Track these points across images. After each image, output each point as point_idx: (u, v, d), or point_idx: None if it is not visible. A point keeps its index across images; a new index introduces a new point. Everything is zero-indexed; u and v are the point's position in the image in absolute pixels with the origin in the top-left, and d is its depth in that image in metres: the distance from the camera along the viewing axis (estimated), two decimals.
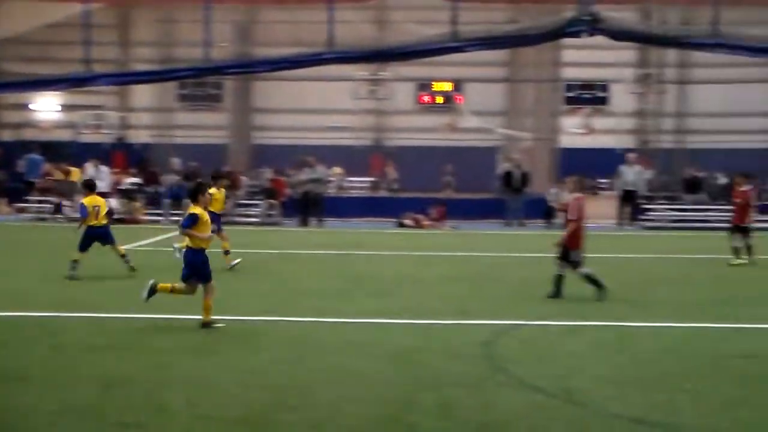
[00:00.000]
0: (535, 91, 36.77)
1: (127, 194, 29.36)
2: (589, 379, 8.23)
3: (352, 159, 38.16)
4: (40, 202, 29.50)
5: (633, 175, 28.23)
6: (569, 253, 12.86)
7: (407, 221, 27.33)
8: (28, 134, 38.25)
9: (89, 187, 15.27)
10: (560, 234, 13.23)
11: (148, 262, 16.18)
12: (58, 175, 29.76)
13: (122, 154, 36.81)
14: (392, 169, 37.40)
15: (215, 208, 15.22)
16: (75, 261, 14.36)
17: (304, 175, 28.27)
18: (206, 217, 10.65)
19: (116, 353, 9.19)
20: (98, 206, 14.70)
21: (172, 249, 16.33)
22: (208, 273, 10.50)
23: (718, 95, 41.30)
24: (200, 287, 10.53)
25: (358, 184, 37.42)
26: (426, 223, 27.26)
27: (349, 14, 22.07)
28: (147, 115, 39.52)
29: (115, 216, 24.81)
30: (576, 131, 38.10)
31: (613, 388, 7.94)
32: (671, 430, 6.74)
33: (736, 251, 17.53)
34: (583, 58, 39.32)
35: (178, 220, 27.70)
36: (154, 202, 30.07)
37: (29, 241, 22.20)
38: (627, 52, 37.98)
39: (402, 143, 40.43)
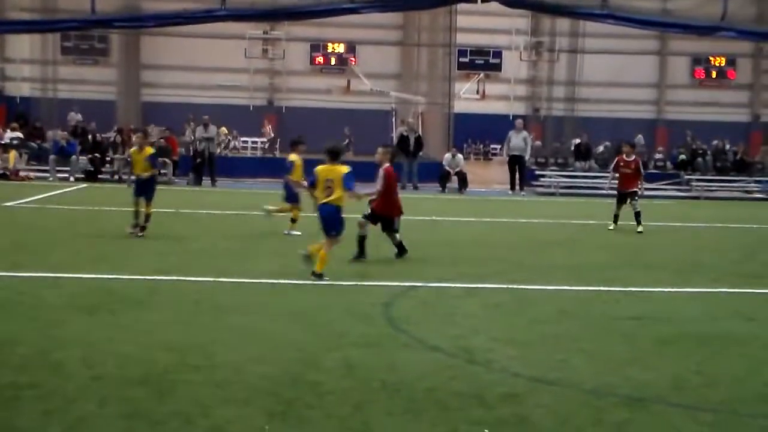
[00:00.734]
0: (428, 56, 36.97)
1: (7, 149, 28.20)
2: (488, 340, 8.37)
3: (245, 119, 37.68)
4: None
5: (520, 141, 28.72)
6: (392, 220, 13.29)
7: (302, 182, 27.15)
8: None
9: None
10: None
11: (31, 220, 15.63)
12: None
13: (1, 107, 35.37)
14: (269, 129, 36.87)
15: (297, 176, 15.20)
16: None
17: (198, 133, 27.75)
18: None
19: (3, 311, 8.85)
20: None
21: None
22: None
23: (607, 66, 42.39)
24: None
25: (252, 145, 37.01)
26: None
27: None
28: (28, 67, 37.97)
29: None
30: (469, 97, 38.52)
31: (512, 348, 8.10)
32: (568, 387, 6.91)
33: (615, 218, 17.98)
34: (477, 24, 39.74)
35: (66, 177, 26.95)
36: (38, 158, 29.03)
37: None
38: (520, 20, 38.64)
39: (295, 104, 40.16)
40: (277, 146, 36.82)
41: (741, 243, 16.09)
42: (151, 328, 8.38)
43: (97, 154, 28.33)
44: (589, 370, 7.45)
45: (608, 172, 20.06)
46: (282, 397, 6.37)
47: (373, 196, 13.15)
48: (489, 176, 33.60)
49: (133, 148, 15.49)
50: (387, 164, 13.20)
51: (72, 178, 27.44)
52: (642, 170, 18.38)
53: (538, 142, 33.68)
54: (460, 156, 28.87)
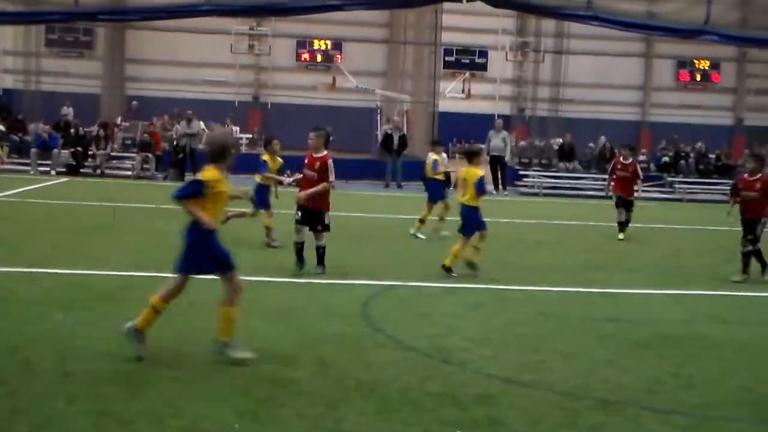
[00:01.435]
0: (414, 54, 36.93)
1: None
2: (464, 340, 8.35)
3: (230, 114, 37.51)
4: None
5: (499, 141, 28.73)
6: (323, 215, 11.58)
7: (285, 180, 27.08)
8: None
9: None
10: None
11: (10, 213, 15.51)
12: None
13: None
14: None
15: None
16: None
17: (181, 128, 27.64)
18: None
19: None
20: None
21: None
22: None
23: (592, 67, 42.47)
24: None
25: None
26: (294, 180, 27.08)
27: None
28: (11, 58, 37.71)
29: None
30: (455, 96, 38.51)
31: (488, 348, 8.09)
32: (543, 389, 6.89)
33: (621, 225, 17.00)
34: (464, 23, 39.73)
35: (47, 171, 26.75)
36: (19, 151, 28.84)
37: None
38: (506, 20, 38.61)
39: (281, 100, 40.04)
40: (262, 143, 36.70)
41: (720, 246, 16.12)
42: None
43: (79, 148, 28.17)
44: (564, 371, 7.44)
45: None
46: (254, 395, 6.32)
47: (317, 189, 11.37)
48: None
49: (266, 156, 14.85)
50: (325, 151, 11.50)
51: (53, 172, 27.28)
52: (640, 174, 17.60)
53: (523, 142, 33.71)
54: (444, 155, 28.77)
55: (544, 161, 31.78)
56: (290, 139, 35.50)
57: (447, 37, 39.15)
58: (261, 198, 14.53)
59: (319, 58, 41.84)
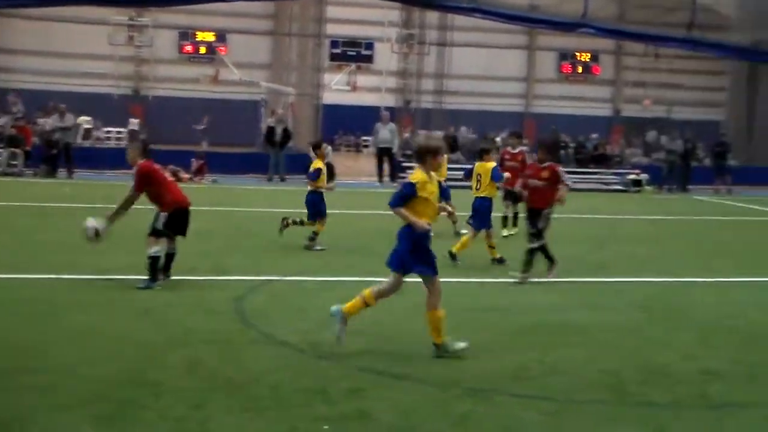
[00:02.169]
0: (299, 46, 36.75)
1: None
2: None
3: (108, 108, 36.51)
4: None
5: (387, 133, 28.83)
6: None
7: (166, 174, 26.53)
8: None
9: None
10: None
11: None
12: None
13: None
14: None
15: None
16: None
17: (53, 122, 26.68)
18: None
19: None
20: None
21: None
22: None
23: (477, 59, 43.09)
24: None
25: (116, 135, 35.88)
26: (185, 176, 26.58)
27: None
28: None
29: None
30: (340, 88, 38.48)
31: (362, 341, 8.05)
32: (414, 381, 6.91)
33: (505, 221, 16.51)
34: (350, 15, 39.74)
35: None
36: None
37: None
38: (392, 12, 38.76)
39: (163, 93, 39.21)
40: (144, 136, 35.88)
41: (592, 234, 16.57)
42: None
43: None
44: (436, 362, 7.48)
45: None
46: (115, 399, 6.12)
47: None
48: (359, 168, 33.63)
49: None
50: (140, 161, 10.68)
51: None
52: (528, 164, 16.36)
53: (407, 135, 33.89)
54: (328, 147, 28.72)
55: None
56: (173, 133, 35.01)
57: (333, 29, 39.13)
58: (317, 207, 14.22)
59: (202, 50, 41.17)
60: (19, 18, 35.56)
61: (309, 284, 10.87)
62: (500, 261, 12.88)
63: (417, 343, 8.06)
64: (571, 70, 49.59)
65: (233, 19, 39.44)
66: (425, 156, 7.68)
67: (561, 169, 11.96)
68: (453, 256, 12.50)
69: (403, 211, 7.57)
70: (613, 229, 18.46)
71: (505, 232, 16.09)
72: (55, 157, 26.32)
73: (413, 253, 7.63)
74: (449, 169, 14.89)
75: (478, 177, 12.98)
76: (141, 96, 40.32)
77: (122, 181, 25.04)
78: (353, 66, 41.10)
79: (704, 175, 33.12)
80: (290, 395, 6.41)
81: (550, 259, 11.78)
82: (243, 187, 25.65)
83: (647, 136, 40.28)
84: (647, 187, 30.68)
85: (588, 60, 49.45)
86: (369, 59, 44.82)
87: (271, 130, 28.66)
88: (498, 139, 26.79)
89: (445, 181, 14.26)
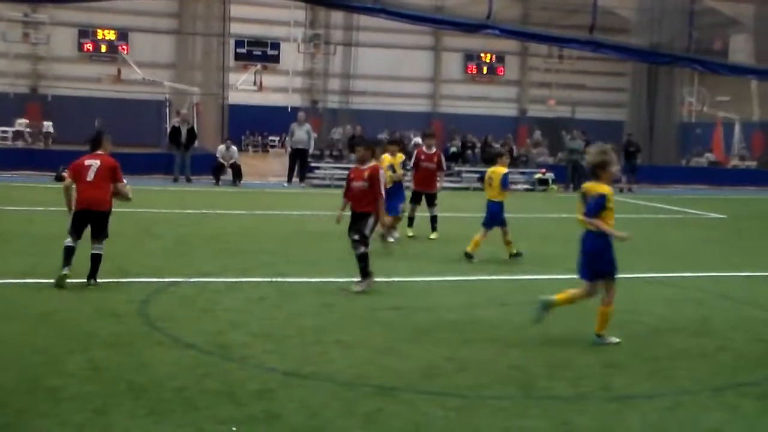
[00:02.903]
0: (203, 46, 36.25)
1: None
2: (246, 335, 8.20)
3: (4, 107, 35.34)
4: None
5: (303, 133, 28.70)
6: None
7: (66, 175, 25.82)
8: None
9: None
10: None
11: None
12: None
13: None
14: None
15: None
16: None
17: None
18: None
19: None
20: None
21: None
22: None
23: (383, 59, 43.25)
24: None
25: (13, 135, 34.73)
26: None
27: None
28: None
29: None
30: (246, 88, 38.11)
31: (270, 342, 7.97)
32: (322, 380, 6.86)
33: (412, 222, 16.07)
34: (255, 14, 39.40)
35: None
36: None
37: None
38: (298, 12, 38.61)
39: (63, 92, 38.13)
40: (41, 137, 34.80)
41: (499, 232, 16.66)
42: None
43: None
44: (344, 361, 7.44)
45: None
46: (11, 407, 5.90)
47: None
48: (266, 168, 33.38)
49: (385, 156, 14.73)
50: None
51: None
52: (444, 164, 16.42)
53: (314, 134, 33.79)
54: (234, 148, 28.44)
55: (335, 153, 32.00)
56: (74, 133, 34.04)
57: (238, 29, 38.71)
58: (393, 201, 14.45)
59: (103, 48, 40.24)
60: None
61: (214, 286, 10.68)
62: (517, 255, 13.57)
63: (324, 343, 8.02)
64: (476, 71, 50.21)
65: (135, 17, 38.68)
66: (600, 170, 8.41)
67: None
68: (469, 256, 13.21)
69: (598, 222, 8.28)
70: (521, 227, 18.66)
71: (410, 233, 15.95)
72: None
73: (605, 260, 8.46)
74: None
75: (490, 181, 13.59)
76: (39, 95, 39.12)
77: (17, 182, 24.42)
78: (259, 66, 40.75)
79: None
80: (196, 398, 6.29)
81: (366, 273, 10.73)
82: (148, 188, 25.10)
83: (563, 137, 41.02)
84: (553, 186, 31.24)
85: (493, 61, 50.16)
86: (275, 59, 44.53)
87: (175, 131, 28.16)
88: (418, 139, 26.94)
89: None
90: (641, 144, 36.04)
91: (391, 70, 44.80)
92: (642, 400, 6.68)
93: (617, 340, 8.43)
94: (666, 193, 31.67)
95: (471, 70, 50.14)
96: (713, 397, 6.84)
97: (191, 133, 28.30)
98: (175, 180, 27.38)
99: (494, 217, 13.53)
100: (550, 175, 31.78)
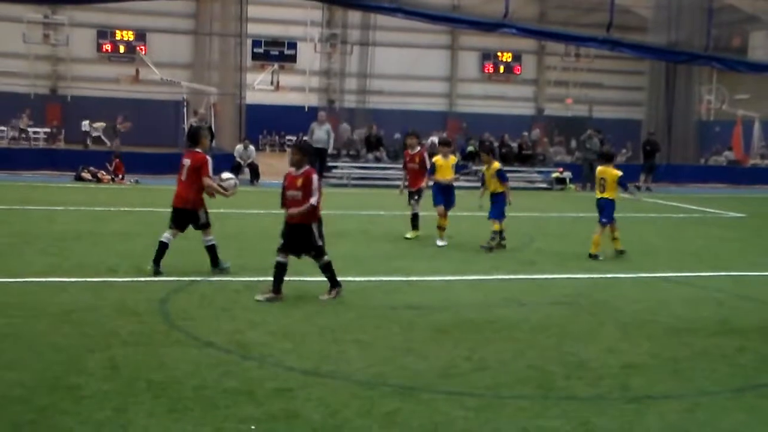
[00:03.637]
0: (221, 46, 36.34)
1: None
2: (265, 334, 8.23)
3: (26, 107, 35.59)
4: None
5: (323, 133, 28.77)
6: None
7: (85, 175, 25.98)
8: None
9: None
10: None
11: None
12: None
13: None
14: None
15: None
16: None
17: None
18: None
19: None
20: None
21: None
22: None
23: (400, 59, 43.24)
24: None
25: (33, 135, 35.00)
26: (106, 177, 26.08)
27: None
28: None
29: None
30: (263, 88, 38.20)
31: (288, 341, 7.99)
32: (341, 379, 6.87)
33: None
34: (272, 14, 39.46)
35: None
36: None
37: None
38: (314, 12, 38.65)
39: (82, 93, 38.36)
40: (62, 137, 35.08)
41: (520, 231, 16.68)
42: None
43: None
44: (363, 361, 7.45)
45: (399, 163, 19.32)
46: (34, 404, 5.95)
47: None
48: (284, 168, 33.21)
49: (485, 167, 15.18)
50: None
51: None
52: (427, 164, 15.75)
53: (333, 134, 33.89)
54: (252, 147, 28.54)
55: (352, 152, 32.03)
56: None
57: (256, 29, 38.80)
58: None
59: (121, 49, 40.42)
60: None
61: (234, 285, 10.71)
62: (622, 252, 14.19)
63: (343, 342, 8.03)
64: (493, 70, 50.10)
65: (153, 18, 38.83)
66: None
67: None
68: (594, 256, 13.80)
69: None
70: (539, 226, 18.67)
71: (409, 235, 15.57)
72: None
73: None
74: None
75: (602, 181, 14.23)
76: (59, 95, 39.36)
77: (41, 182, 24.59)
78: (276, 66, 40.83)
79: (627, 173, 33.80)
80: (216, 396, 6.31)
81: (334, 283, 10.29)
82: (166, 187, 25.20)
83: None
84: (571, 185, 31.15)
85: (510, 60, 50.04)
86: (292, 59, 44.59)
87: None
88: (434, 138, 26.94)
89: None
90: (660, 143, 35.90)
91: (408, 69, 44.77)
92: (661, 401, 6.65)
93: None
94: (685, 192, 31.51)
95: (487, 69, 50.04)
96: (733, 399, 6.81)
97: (210, 132, 28.37)
98: None
99: (607, 213, 14.09)
100: (567, 174, 31.67)
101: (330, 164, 29.68)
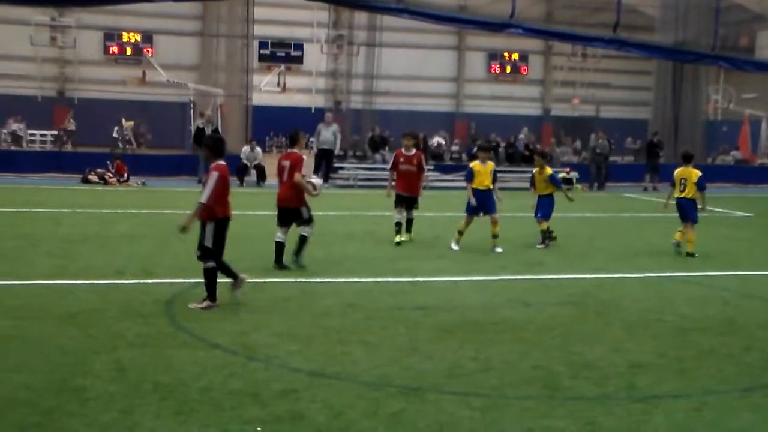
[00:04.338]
0: (227, 47, 36.35)
1: None
2: (271, 335, 8.23)
3: (33, 110, 35.66)
4: None
5: (330, 134, 28.78)
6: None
7: (92, 177, 26.04)
8: None
9: None
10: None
11: None
12: None
13: None
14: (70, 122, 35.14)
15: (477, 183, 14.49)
16: None
17: None
18: None
19: None
20: None
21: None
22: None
23: (407, 59, 43.21)
24: None
25: (41, 138, 35.08)
26: (113, 179, 26.13)
27: None
28: None
29: None
30: (270, 89, 38.21)
31: (294, 343, 7.99)
32: (346, 381, 6.88)
33: (399, 226, 15.13)
34: (278, 16, 39.48)
35: None
36: None
37: None
38: (321, 13, 38.67)
39: (89, 95, 38.45)
40: (69, 140, 35.14)
41: (527, 231, 16.65)
42: None
43: None
44: (369, 362, 7.45)
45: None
46: (40, 406, 5.96)
47: None
48: None
49: (536, 170, 15.80)
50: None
51: None
52: (425, 166, 15.58)
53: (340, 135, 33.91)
54: (258, 149, 28.58)
55: (359, 153, 32.02)
56: (101, 135, 34.35)
57: (262, 30, 38.82)
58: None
59: (128, 51, 40.51)
60: None
61: None
62: (692, 255, 14.40)
63: (349, 343, 8.04)
64: (500, 70, 50.06)
65: (160, 20, 38.90)
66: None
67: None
68: (691, 254, 14.36)
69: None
70: (511, 227, 18.58)
71: (397, 239, 14.99)
72: None
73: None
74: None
75: (683, 181, 14.69)
76: (66, 98, 39.47)
77: (49, 185, 24.67)
78: (282, 67, 40.84)
79: (633, 173, 33.77)
80: (221, 398, 6.32)
81: (212, 294, 9.53)
82: (172, 189, 25.30)
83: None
84: (578, 185, 31.09)
85: (517, 60, 49.99)
86: (298, 60, 44.63)
87: (200, 132, 28.30)
88: (440, 139, 26.80)
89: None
90: (666, 142, 35.81)
91: (415, 70, 44.75)
92: (668, 401, 6.64)
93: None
94: None
95: (494, 70, 50.01)
96: (740, 398, 6.79)
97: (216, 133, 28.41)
98: (200, 181, 27.42)
99: (689, 213, 14.62)
100: (574, 174, 31.61)
101: (336, 165, 29.67)
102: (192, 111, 33.85)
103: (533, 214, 15.61)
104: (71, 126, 35.01)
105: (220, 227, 9.56)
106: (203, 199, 9.37)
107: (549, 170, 15.67)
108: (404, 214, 15.14)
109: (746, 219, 22.34)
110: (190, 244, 14.01)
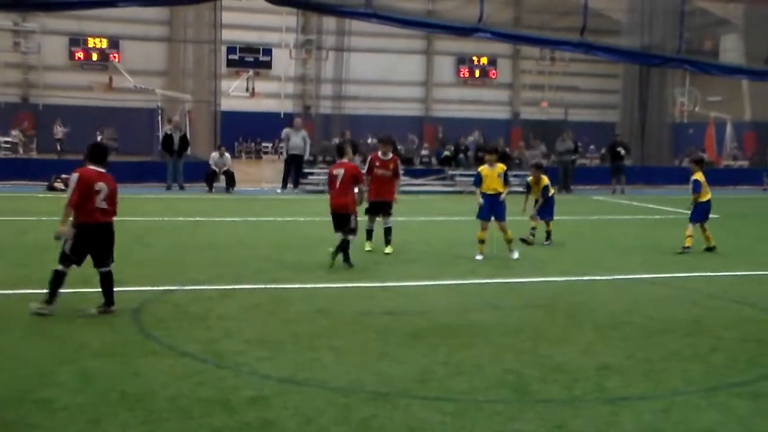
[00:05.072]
0: (195, 53, 36.17)
1: None
2: (240, 342, 8.18)
3: None
4: None
5: (299, 139, 28.67)
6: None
7: (58, 185, 25.73)
8: None
9: None
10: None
11: None
12: None
13: None
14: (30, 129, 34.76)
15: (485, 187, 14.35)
16: None
17: None
18: None
19: None
20: None
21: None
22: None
23: (376, 64, 43.26)
24: None
25: (4, 144, 34.67)
26: None
27: None
28: None
29: None
30: (238, 95, 38.07)
31: (264, 349, 7.94)
32: (316, 387, 6.84)
33: (371, 234, 14.80)
34: (247, 21, 39.34)
35: None
36: None
37: None
38: (289, 18, 38.60)
39: (54, 101, 38.07)
40: (34, 146, 34.75)
41: (495, 235, 16.69)
42: None
43: None
44: (338, 367, 7.42)
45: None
46: (2, 420, 5.86)
47: None
48: (260, 175, 33.34)
49: (530, 179, 16.79)
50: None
51: None
52: (400, 173, 15.14)
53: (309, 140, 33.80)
54: (227, 155, 28.40)
55: (328, 158, 31.94)
56: (68, 142, 34.01)
57: (230, 35, 38.67)
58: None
59: (94, 56, 40.19)
60: None
61: (208, 293, 10.65)
62: (711, 249, 15.54)
63: (319, 348, 8.00)
64: (468, 74, 50.26)
65: (126, 25, 38.62)
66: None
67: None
68: (711, 249, 15.56)
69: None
70: (513, 229, 18.67)
71: (368, 247, 14.58)
72: None
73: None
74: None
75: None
76: (30, 104, 39.04)
77: (11, 192, 24.35)
78: (251, 72, 40.72)
79: (600, 176, 33.98)
80: (190, 406, 6.27)
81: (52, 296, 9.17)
82: (141, 196, 25.06)
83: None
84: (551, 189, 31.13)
85: (485, 64, 50.21)
86: (267, 65, 44.55)
87: (168, 138, 28.10)
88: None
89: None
90: (633, 145, 36.09)
91: (383, 74, 44.82)
92: (636, 402, 6.67)
93: None
94: (659, 194, 31.71)
95: (463, 74, 50.21)
96: (706, 398, 6.84)
97: (184, 140, 28.24)
98: (168, 188, 27.32)
99: (705, 213, 15.69)
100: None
101: (306, 171, 29.56)
102: (160, 117, 33.63)
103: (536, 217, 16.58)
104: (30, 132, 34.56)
105: (80, 234, 9.42)
106: (66, 201, 9.34)
107: (546, 181, 16.86)
108: (375, 221, 14.70)
109: (712, 220, 22.48)
110: (158, 252, 13.96)
